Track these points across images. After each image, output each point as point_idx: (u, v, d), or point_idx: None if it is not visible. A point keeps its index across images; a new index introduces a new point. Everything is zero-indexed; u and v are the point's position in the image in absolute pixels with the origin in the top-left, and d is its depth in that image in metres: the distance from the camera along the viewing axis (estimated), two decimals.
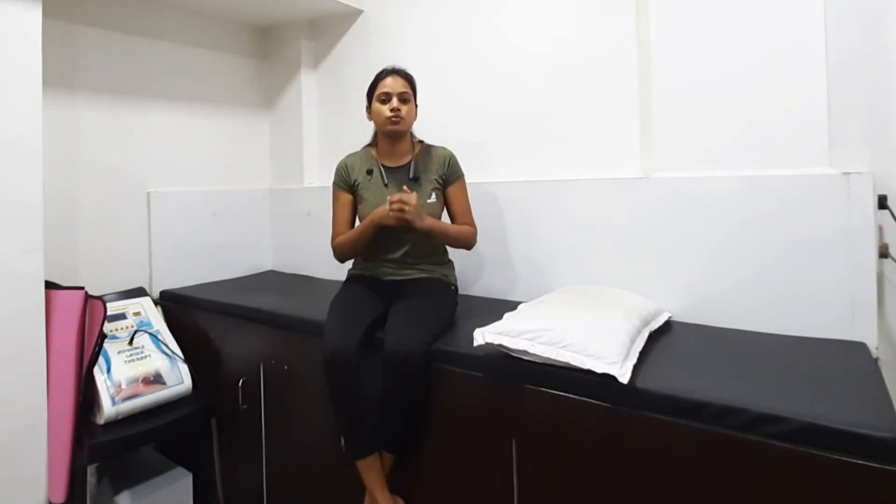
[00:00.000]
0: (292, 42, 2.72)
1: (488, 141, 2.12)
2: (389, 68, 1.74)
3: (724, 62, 1.60)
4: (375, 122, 1.75)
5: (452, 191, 1.77)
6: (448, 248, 1.84)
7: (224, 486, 2.07)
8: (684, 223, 1.65)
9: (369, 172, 1.77)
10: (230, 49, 2.68)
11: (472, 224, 1.79)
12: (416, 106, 1.78)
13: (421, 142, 1.83)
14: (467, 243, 1.76)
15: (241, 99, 2.72)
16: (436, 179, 1.75)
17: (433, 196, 1.73)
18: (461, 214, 1.78)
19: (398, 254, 1.74)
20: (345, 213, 1.79)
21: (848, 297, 1.42)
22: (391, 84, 1.70)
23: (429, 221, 1.63)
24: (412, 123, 1.77)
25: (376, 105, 1.71)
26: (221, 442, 2.06)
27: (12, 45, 1.58)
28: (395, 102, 1.68)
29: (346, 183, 1.79)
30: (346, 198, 1.79)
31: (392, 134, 1.73)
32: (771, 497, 1.00)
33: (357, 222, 1.79)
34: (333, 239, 1.78)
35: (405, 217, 1.56)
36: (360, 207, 1.76)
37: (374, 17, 2.49)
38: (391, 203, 1.56)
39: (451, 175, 1.77)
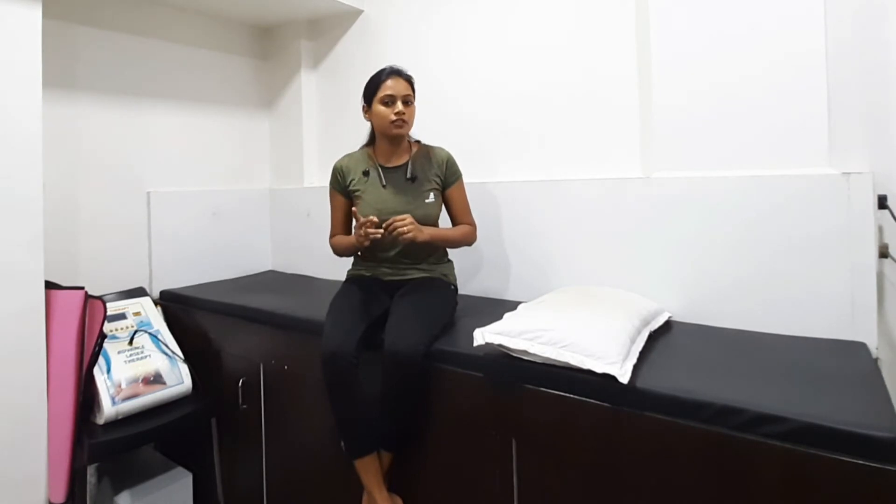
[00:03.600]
0: (292, 42, 2.72)
1: (488, 141, 2.12)
2: (389, 69, 1.71)
3: (724, 62, 1.60)
4: (377, 125, 1.74)
5: (452, 192, 1.78)
6: (447, 248, 1.84)
7: (224, 486, 2.07)
8: (684, 223, 1.65)
9: (366, 173, 1.76)
10: (230, 49, 2.68)
11: (472, 222, 1.80)
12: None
13: (418, 142, 1.83)
14: (468, 242, 1.78)
15: (241, 99, 2.72)
16: (434, 180, 1.75)
17: (431, 196, 1.73)
18: (461, 214, 1.79)
19: (397, 254, 1.74)
20: (339, 215, 1.83)
21: (848, 297, 1.42)
22: (394, 86, 1.68)
23: (428, 232, 1.64)
24: (413, 125, 1.76)
25: (379, 108, 1.69)
26: (221, 442, 2.06)
27: (12, 45, 1.58)
28: (399, 106, 1.67)
29: (340, 185, 1.80)
30: (340, 199, 1.81)
31: (395, 137, 1.72)
32: (770, 497, 1.00)
33: (354, 222, 1.78)
34: (331, 237, 1.84)
35: (407, 236, 1.55)
36: (360, 207, 1.76)
37: (374, 17, 2.49)
38: (388, 227, 1.55)
39: (450, 176, 1.77)
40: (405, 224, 1.56)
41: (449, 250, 1.85)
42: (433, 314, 1.58)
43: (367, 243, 1.60)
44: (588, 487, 1.21)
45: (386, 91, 1.68)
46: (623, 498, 1.17)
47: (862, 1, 1.47)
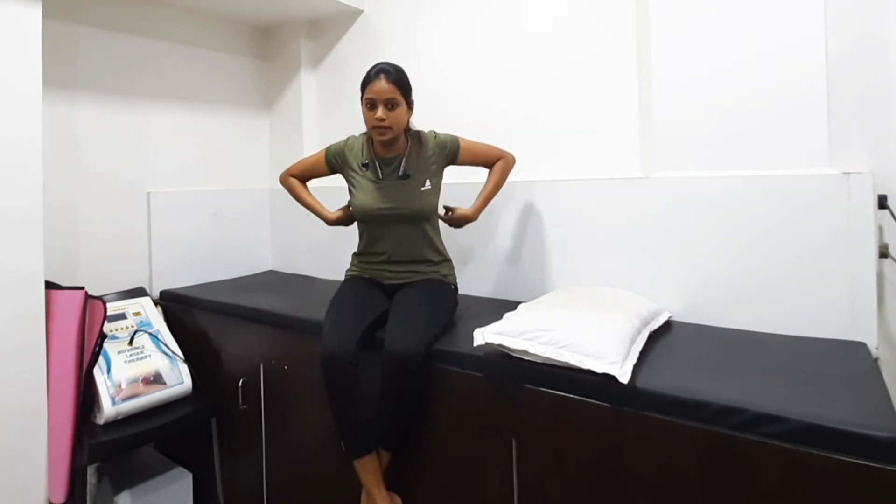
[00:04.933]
0: (292, 42, 2.72)
1: (488, 141, 2.11)
2: (378, 67, 1.64)
3: (724, 62, 1.60)
4: (365, 124, 1.71)
5: (464, 154, 1.77)
6: (446, 247, 1.84)
7: (224, 486, 2.07)
8: (684, 223, 1.65)
9: (365, 165, 1.75)
10: (230, 49, 2.68)
11: (499, 153, 1.81)
12: (411, 102, 1.71)
13: (415, 132, 1.78)
14: (509, 171, 1.82)
15: (241, 99, 2.72)
16: (431, 168, 1.74)
17: (427, 184, 1.71)
18: (485, 157, 1.80)
19: (395, 253, 1.74)
20: (308, 166, 1.89)
21: (848, 297, 1.42)
22: (377, 89, 1.60)
23: (477, 206, 1.76)
24: (402, 127, 1.69)
25: (364, 110, 1.66)
26: (221, 442, 2.06)
27: (12, 45, 1.58)
28: (380, 111, 1.61)
29: (336, 160, 1.81)
30: (322, 164, 1.84)
31: (380, 142, 1.71)
32: (770, 497, 1.00)
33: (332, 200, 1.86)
34: (290, 173, 1.91)
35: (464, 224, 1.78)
36: (354, 200, 1.76)
37: (374, 17, 2.49)
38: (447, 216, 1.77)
39: (451, 149, 1.76)
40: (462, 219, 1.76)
41: (448, 250, 1.84)
42: (433, 314, 1.58)
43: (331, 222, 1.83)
44: (588, 487, 1.21)
45: (370, 94, 1.62)
46: (623, 498, 1.17)
47: (862, 1, 1.47)
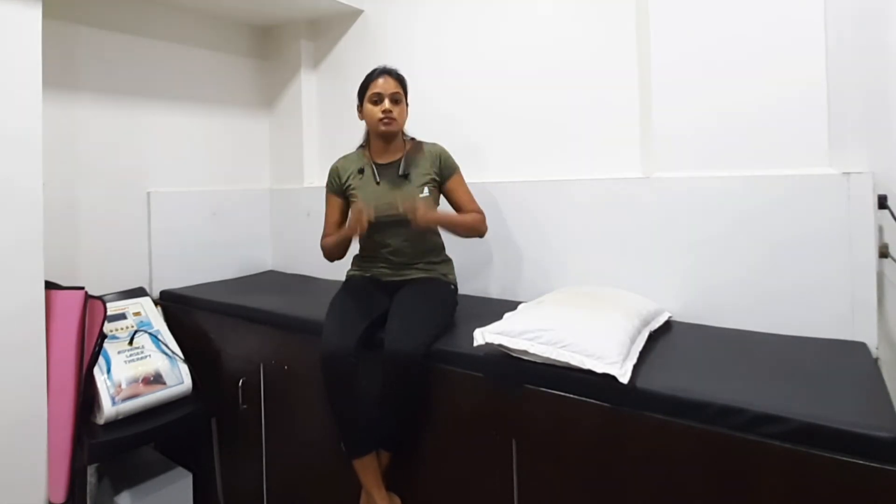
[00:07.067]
0: (292, 42, 2.72)
1: (489, 141, 2.12)
2: (381, 68, 1.74)
3: (724, 62, 1.60)
4: (367, 123, 1.77)
5: (451, 185, 1.77)
6: (445, 245, 1.84)
7: (224, 486, 2.07)
8: (684, 223, 1.65)
9: (361, 171, 1.78)
10: (230, 49, 2.68)
11: (480, 211, 1.78)
12: (407, 105, 1.79)
13: (413, 139, 1.84)
14: (479, 230, 1.76)
15: (241, 99, 2.72)
16: (428, 175, 1.75)
17: (425, 190, 1.73)
18: (466, 204, 1.78)
19: (395, 252, 1.74)
20: (334, 216, 1.83)
21: (848, 296, 1.42)
22: (383, 85, 1.70)
23: (436, 216, 1.67)
24: (404, 123, 1.78)
25: (368, 106, 1.72)
26: (221, 442, 2.06)
27: (12, 45, 1.58)
28: (386, 104, 1.69)
29: (336, 186, 1.81)
30: (336, 201, 1.82)
31: (384, 135, 1.74)
32: (771, 497, 1.00)
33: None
34: (322, 239, 1.83)
35: (419, 218, 1.58)
36: (352, 206, 1.76)
37: (374, 17, 2.49)
38: (402, 208, 1.60)
39: (445, 170, 1.77)
40: (415, 207, 1.59)
41: (447, 250, 1.85)
42: (433, 314, 1.58)
43: (358, 230, 1.60)
44: (588, 487, 1.21)
45: (375, 89, 1.71)
46: (623, 498, 1.17)
47: (862, 1, 1.47)
